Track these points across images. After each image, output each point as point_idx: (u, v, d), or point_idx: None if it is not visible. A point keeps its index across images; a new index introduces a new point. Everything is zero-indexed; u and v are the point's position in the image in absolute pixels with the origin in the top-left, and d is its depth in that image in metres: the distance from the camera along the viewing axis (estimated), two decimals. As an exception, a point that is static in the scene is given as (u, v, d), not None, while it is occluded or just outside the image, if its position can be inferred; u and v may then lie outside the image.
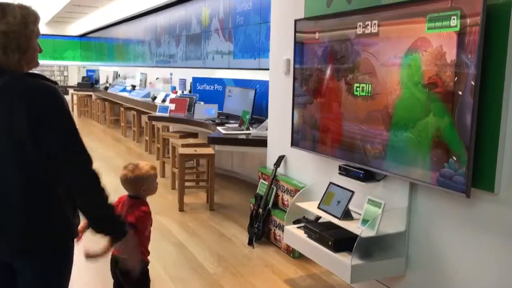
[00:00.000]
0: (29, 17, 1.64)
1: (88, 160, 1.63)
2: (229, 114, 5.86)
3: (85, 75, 14.81)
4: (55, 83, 1.66)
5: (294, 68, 3.58)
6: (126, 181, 2.36)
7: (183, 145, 5.23)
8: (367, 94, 2.84)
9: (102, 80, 13.78)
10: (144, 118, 8.09)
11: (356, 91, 2.92)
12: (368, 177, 2.92)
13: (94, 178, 1.63)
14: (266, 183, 4.03)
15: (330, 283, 3.26)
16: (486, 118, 2.24)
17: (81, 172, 1.61)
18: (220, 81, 6.72)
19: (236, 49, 6.80)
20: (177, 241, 3.98)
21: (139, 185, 2.36)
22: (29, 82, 1.61)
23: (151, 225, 2.41)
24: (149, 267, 3.12)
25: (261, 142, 4.37)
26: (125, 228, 1.75)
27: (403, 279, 2.82)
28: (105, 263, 2.28)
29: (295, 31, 3.54)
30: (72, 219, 1.69)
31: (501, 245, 2.26)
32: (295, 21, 3.54)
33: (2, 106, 1.56)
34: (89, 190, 1.63)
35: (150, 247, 3.78)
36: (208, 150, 4.92)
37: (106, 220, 1.69)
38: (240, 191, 5.50)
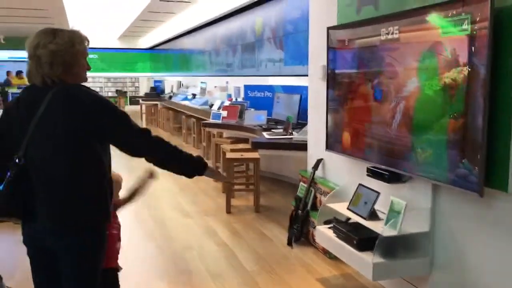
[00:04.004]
0: (75, 39, 1.94)
1: (146, 133, 1.97)
2: (278, 120, 6.05)
3: (152, 85, 15.60)
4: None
5: (328, 74, 3.71)
6: None
7: (232, 150, 5.48)
8: (390, 98, 2.92)
9: (167, 90, 14.45)
10: (203, 125, 8.46)
11: (381, 94, 3.01)
12: (393, 178, 2.98)
13: (158, 142, 2.00)
14: (306, 185, 4.16)
15: (362, 283, 3.34)
16: (498, 119, 2.27)
17: (152, 145, 1.99)
18: (270, 87, 6.93)
19: (286, 56, 6.98)
20: (220, 241, 4.21)
21: None
22: (81, 91, 1.90)
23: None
24: (190, 263, 3.34)
25: (303, 146, 4.51)
26: (202, 162, 2.11)
27: (429, 279, 2.86)
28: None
29: (328, 38, 3.67)
30: (110, 205, 2.00)
31: (518, 245, 2.27)
32: (328, 28, 3.67)
33: (57, 112, 1.84)
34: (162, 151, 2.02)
35: (195, 244, 4.05)
36: (254, 155, 5.12)
37: (188, 162, 2.08)
38: (287, 194, 5.65)
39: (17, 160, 1.85)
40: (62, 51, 1.88)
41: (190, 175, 2.10)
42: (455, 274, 2.68)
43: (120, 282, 2.49)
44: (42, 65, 1.86)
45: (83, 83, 2.00)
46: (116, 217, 2.47)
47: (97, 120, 1.87)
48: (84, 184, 1.90)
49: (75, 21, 15.21)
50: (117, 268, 2.49)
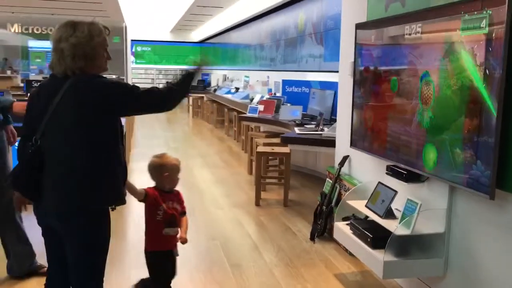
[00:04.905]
0: (94, 31, 2.07)
1: (154, 90, 2.13)
2: (313, 116, 6.05)
3: (200, 78, 15.87)
4: None
5: (354, 71, 3.70)
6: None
7: (265, 144, 5.54)
8: (411, 96, 2.89)
9: (213, 83, 14.68)
10: (243, 118, 8.58)
11: (401, 94, 2.99)
12: (411, 177, 2.95)
13: (167, 91, 2.15)
14: (332, 181, 4.17)
15: (379, 281, 3.32)
16: (512, 120, 2.21)
17: (161, 99, 2.14)
18: (307, 83, 6.93)
19: (326, 52, 6.96)
20: (245, 232, 4.30)
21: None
22: (96, 79, 2.04)
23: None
24: (212, 253, 3.44)
25: (331, 142, 4.51)
26: (191, 71, 2.26)
27: (444, 280, 2.82)
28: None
29: (356, 35, 3.66)
30: (120, 187, 2.12)
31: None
32: (356, 25, 3.65)
33: (73, 98, 1.98)
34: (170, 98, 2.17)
35: (219, 235, 4.15)
36: (285, 149, 5.16)
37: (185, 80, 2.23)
38: (318, 190, 5.62)
39: (34, 141, 1.99)
40: (83, 44, 2.01)
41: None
42: (469, 277, 2.63)
43: (141, 268, 2.63)
44: (65, 58, 2.00)
45: (103, 73, 2.14)
46: (163, 202, 2.62)
47: (112, 95, 2.01)
48: (90, 168, 2.00)
49: (130, 14, 15.72)
50: (171, 252, 2.71)
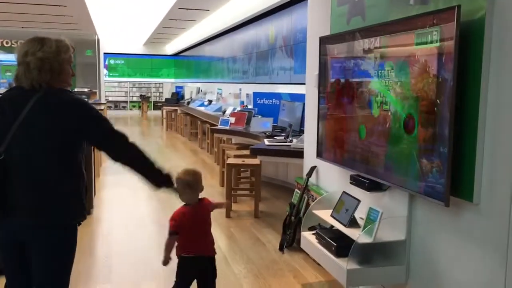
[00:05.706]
0: (61, 47, 2.10)
1: (122, 136, 2.13)
2: (283, 127, 6.12)
3: (174, 91, 15.86)
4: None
5: (319, 83, 3.77)
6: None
7: (235, 156, 5.58)
8: (371, 108, 2.97)
9: (187, 96, 14.69)
10: (215, 131, 8.59)
11: (362, 105, 3.07)
12: (373, 186, 3.02)
13: (133, 146, 2.16)
14: (300, 192, 4.22)
15: (345, 290, 3.37)
16: (465, 130, 2.30)
17: (121, 146, 2.14)
18: (278, 95, 7.01)
19: (296, 65, 7.06)
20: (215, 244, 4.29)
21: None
22: (64, 95, 2.06)
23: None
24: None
25: (300, 153, 4.57)
26: (170, 181, 2.34)
27: (406, 287, 2.88)
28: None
29: (320, 48, 3.74)
30: (85, 203, 2.14)
31: (483, 255, 2.28)
32: (320, 38, 3.74)
33: (41, 113, 1.99)
34: (134, 155, 2.18)
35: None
36: (255, 161, 5.20)
37: (156, 170, 2.24)
38: (289, 200, 5.68)
39: None
40: (50, 59, 2.03)
41: (155, 186, 2.28)
42: (430, 283, 2.69)
43: (108, 284, 2.60)
44: (31, 71, 2.01)
45: (68, 88, 2.15)
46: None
47: (75, 119, 2.02)
48: (61, 182, 2.02)
49: (102, 27, 15.64)
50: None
